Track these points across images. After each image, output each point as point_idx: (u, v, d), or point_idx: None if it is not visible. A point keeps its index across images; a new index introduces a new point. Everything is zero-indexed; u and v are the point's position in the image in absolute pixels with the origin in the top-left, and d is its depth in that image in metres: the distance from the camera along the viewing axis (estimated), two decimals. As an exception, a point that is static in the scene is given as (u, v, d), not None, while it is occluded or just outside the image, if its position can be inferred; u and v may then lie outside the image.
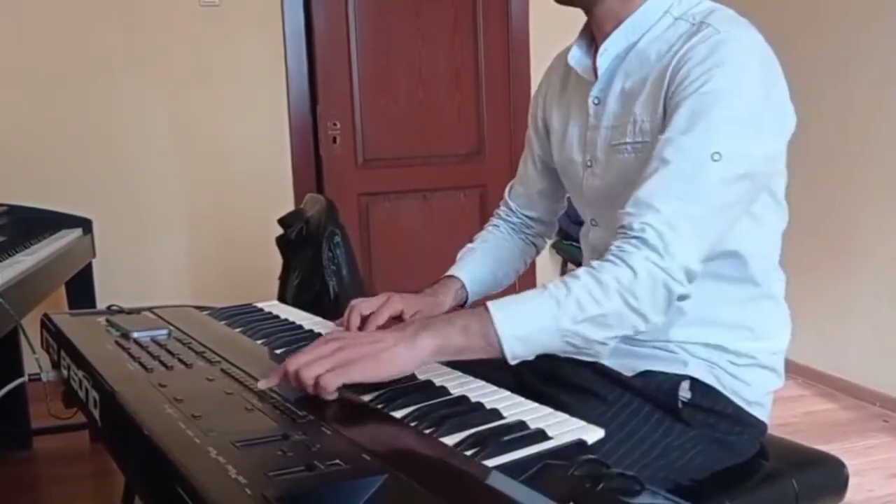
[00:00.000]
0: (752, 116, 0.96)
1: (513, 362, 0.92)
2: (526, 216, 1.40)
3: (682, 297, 0.94)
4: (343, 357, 0.86)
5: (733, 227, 1.00)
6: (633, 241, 0.92)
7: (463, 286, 1.30)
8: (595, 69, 1.11)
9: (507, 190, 1.42)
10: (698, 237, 0.93)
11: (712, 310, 1.08)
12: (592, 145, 1.13)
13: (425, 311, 1.21)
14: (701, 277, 1.02)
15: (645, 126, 1.04)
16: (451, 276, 1.31)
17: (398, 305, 1.18)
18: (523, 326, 0.90)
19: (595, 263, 0.93)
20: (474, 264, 1.34)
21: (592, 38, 1.14)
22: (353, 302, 1.19)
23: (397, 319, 1.17)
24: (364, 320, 1.16)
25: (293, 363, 0.86)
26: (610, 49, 1.09)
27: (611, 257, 0.93)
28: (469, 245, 1.39)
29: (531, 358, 0.94)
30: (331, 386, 0.83)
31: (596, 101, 1.12)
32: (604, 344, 0.93)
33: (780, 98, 1.01)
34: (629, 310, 0.91)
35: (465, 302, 1.32)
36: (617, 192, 1.08)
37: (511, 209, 1.41)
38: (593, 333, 0.91)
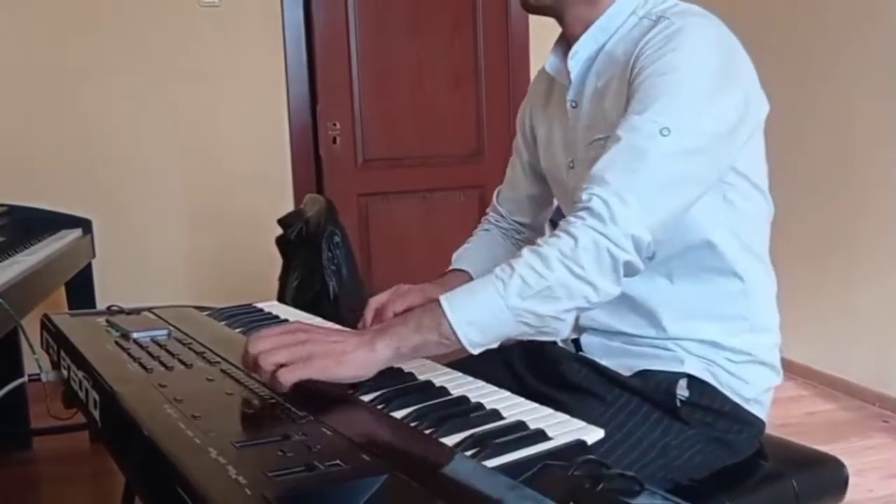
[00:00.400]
0: (705, 94, 0.98)
1: (474, 350, 0.92)
2: (516, 221, 1.41)
3: (632, 267, 0.93)
4: (304, 351, 0.87)
5: (693, 205, 1.00)
6: (580, 212, 0.93)
7: (471, 278, 1.29)
8: (569, 73, 1.14)
9: (495, 195, 1.43)
10: (646, 208, 0.93)
11: (701, 303, 1.09)
12: (573, 147, 1.16)
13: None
14: (683, 270, 1.05)
15: (614, 120, 1.05)
16: (461, 271, 1.31)
17: (411, 297, 1.17)
18: (474, 312, 0.90)
19: (539, 240, 0.94)
20: (476, 258, 1.34)
21: (567, 44, 1.16)
22: (370, 301, 1.20)
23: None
24: (378, 313, 1.16)
25: (254, 346, 0.87)
26: (580, 52, 1.12)
27: (556, 232, 0.94)
28: (465, 245, 1.39)
29: (494, 345, 0.95)
30: (289, 381, 0.84)
31: (573, 105, 1.15)
32: (558, 318, 0.92)
33: (742, 80, 1.02)
34: (575, 278, 0.91)
35: None
36: None
37: (501, 214, 1.41)
38: (543, 308, 0.91)
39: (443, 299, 0.91)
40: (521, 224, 1.41)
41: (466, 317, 0.90)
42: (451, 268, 1.33)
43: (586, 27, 1.11)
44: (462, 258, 1.35)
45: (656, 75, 0.98)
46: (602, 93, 1.10)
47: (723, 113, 0.99)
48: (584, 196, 0.93)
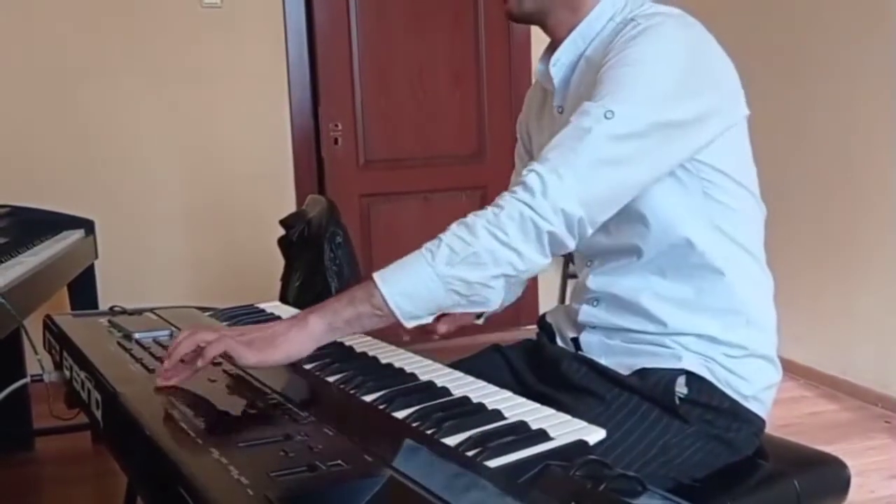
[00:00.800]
0: (660, 87, 0.99)
1: (408, 323, 0.94)
2: None
3: (556, 239, 0.95)
4: (239, 339, 0.90)
5: (638, 190, 1.02)
6: (515, 187, 0.96)
7: None
8: (552, 79, 1.15)
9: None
10: (580, 183, 0.95)
11: (695, 297, 1.09)
12: None
13: None
14: (672, 266, 1.07)
15: None
16: None
17: None
18: (404, 282, 0.93)
19: (469, 214, 0.97)
20: None
21: (554, 51, 1.17)
22: None
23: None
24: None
25: (186, 332, 0.90)
26: (562, 59, 1.14)
27: (487, 207, 0.96)
28: None
29: (428, 319, 0.96)
30: (211, 352, 0.88)
31: (560, 110, 1.17)
32: (486, 286, 0.94)
33: (708, 81, 1.03)
34: (500, 244, 0.93)
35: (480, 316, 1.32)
36: None
37: None
38: (471, 274, 0.93)
39: (375, 274, 0.93)
40: None
41: (398, 288, 0.92)
42: None
43: (569, 33, 1.12)
44: None
45: (616, 67, 1.00)
46: (583, 97, 1.09)
47: (675, 107, 1.00)
48: (524, 171, 0.96)
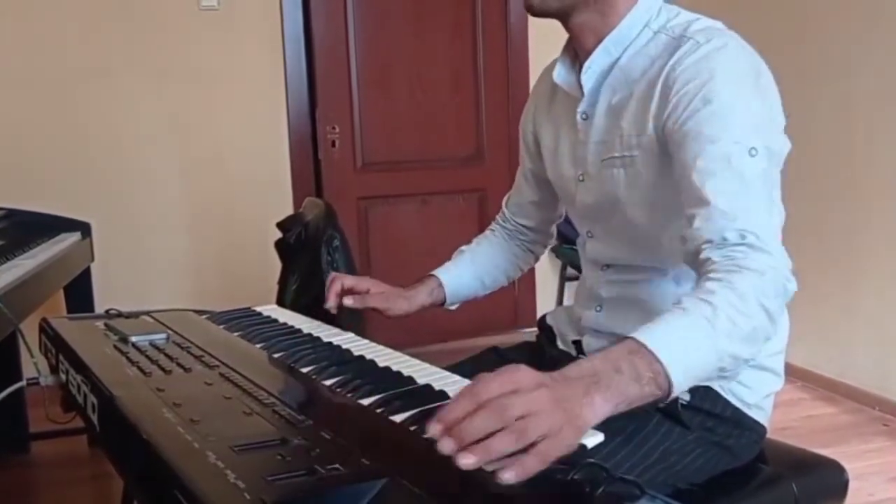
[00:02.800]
0: (761, 115, 0.99)
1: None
2: (521, 224, 1.42)
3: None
4: (530, 428, 0.67)
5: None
6: (740, 248, 0.90)
7: (440, 286, 1.35)
8: (580, 86, 1.13)
9: (504, 199, 1.45)
10: (777, 236, 0.94)
11: None
12: (583, 160, 1.15)
13: (390, 294, 1.31)
14: (688, 275, 1.04)
15: (632, 141, 1.05)
16: (431, 276, 1.36)
17: (366, 284, 1.31)
18: (689, 359, 0.81)
19: (716, 275, 0.87)
20: (459, 268, 1.38)
21: (575, 53, 1.15)
22: (334, 274, 1.32)
23: (358, 293, 1.29)
24: (344, 292, 1.28)
25: (469, 430, 0.66)
26: (594, 66, 1.10)
27: (730, 266, 0.88)
28: (462, 248, 1.43)
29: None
30: (531, 473, 0.65)
31: (584, 117, 1.14)
32: (747, 363, 0.89)
33: (774, 97, 1.03)
34: (767, 318, 0.87)
35: (443, 302, 1.37)
36: (610, 205, 1.11)
37: (506, 217, 1.44)
38: (745, 351, 0.86)
39: (658, 348, 0.79)
40: (526, 227, 1.42)
41: (682, 366, 0.80)
42: (434, 271, 1.37)
43: (598, 38, 1.09)
44: (448, 264, 1.39)
45: (708, 111, 0.96)
46: (617, 109, 1.08)
47: (780, 129, 1.01)
48: (730, 235, 0.90)
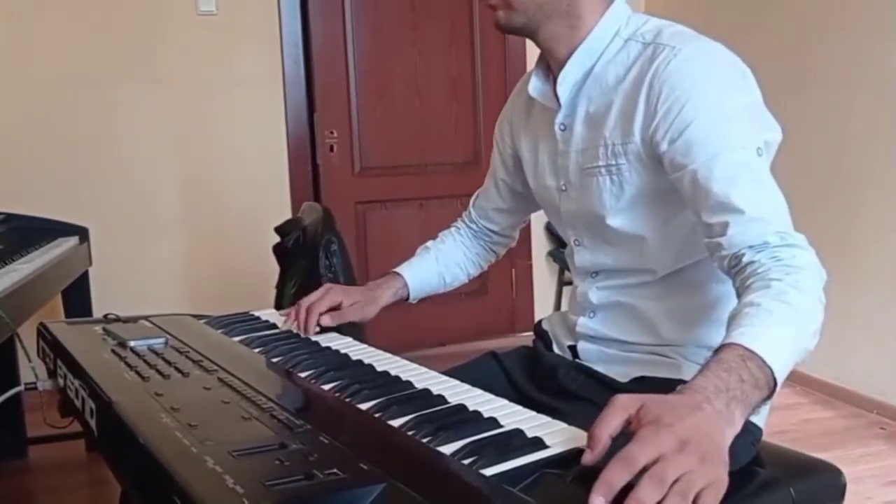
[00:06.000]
0: (755, 111, 1.02)
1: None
2: (485, 227, 1.46)
3: None
4: (690, 490, 0.66)
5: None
6: (783, 249, 0.94)
7: (405, 285, 1.38)
8: (556, 97, 1.14)
9: (473, 198, 1.48)
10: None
11: (699, 309, 1.10)
12: (565, 170, 1.16)
13: (362, 301, 1.31)
14: (681, 278, 1.07)
15: (617, 149, 1.06)
16: (396, 274, 1.39)
17: (338, 297, 1.29)
18: (787, 362, 0.83)
19: (775, 274, 0.91)
20: (422, 265, 1.42)
21: (548, 66, 1.16)
22: (301, 300, 1.29)
23: (335, 310, 1.27)
24: (308, 311, 1.26)
25: (616, 473, 0.64)
26: (568, 77, 1.11)
27: (784, 268, 0.92)
28: (427, 244, 1.47)
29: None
30: (694, 488, 0.66)
31: (562, 128, 1.15)
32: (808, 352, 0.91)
33: (757, 88, 1.05)
34: (822, 310, 0.94)
35: (407, 299, 1.40)
36: (594, 213, 1.12)
37: (472, 217, 1.47)
38: (812, 345, 0.91)
39: (766, 353, 0.81)
40: (489, 230, 1.46)
41: (783, 368, 0.82)
42: (397, 268, 1.40)
43: (569, 50, 1.10)
44: (411, 262, 1.43)
45: (699, 118, 0.98)
46: (596, 118, 1.09)
47: (773, 123, 1.05)
48: (772, 238, 0.94)
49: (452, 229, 1.49)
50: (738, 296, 0.94)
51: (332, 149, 3.46)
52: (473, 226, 1.47)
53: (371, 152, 3.53)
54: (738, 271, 0.96)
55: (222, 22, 3.27)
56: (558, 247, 3.58)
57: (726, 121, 0.98)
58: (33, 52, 3.09)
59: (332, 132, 3.44)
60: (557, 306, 3.67)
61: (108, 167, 3.21)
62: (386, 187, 3.56)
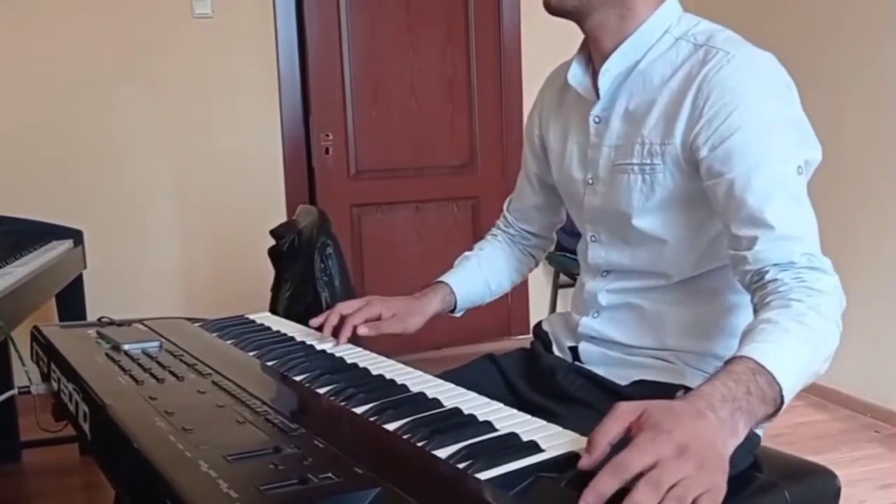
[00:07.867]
0: (800, 128, 1.03)
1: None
2: (523, 229, 1.41)
3: None
4: (687, 496, 0.66)
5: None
6: (808, 271, 0.94)
7: (452, 292, 1.32)
8: (596, 89, 1.11)
9: (505, 203, 1.44)
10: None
11: (710, 317, 1.09)
12: (594, 164, 1.14)
13: (403, 312, 1.24)
14: (695, 287, 1.05)
15: (655, 149, 1.04)
16: (441, 282, 1.33)
17: (377, 309, 1.22)
18: (796, 381, 0.83)
19: (796, 295, 0.90)
20: (467, 273, 1.36)
21: (590, 56, 1.13)
22: (338, 304, 1.22)
23: (374, 321, 1.20)
24: (342, 320, 1.19)
25: (606, 482, 0.63)
26: (611, 69, 1.09)
27: (807, 291, 0.91)
28: (466, 253, 1.40)
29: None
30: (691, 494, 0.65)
31: (597, 120, 1.12)
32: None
33: (800, 106, 1.05)
34: (839, 336, 0.91)
35: (454, 308, 1.34)
36: (619, 210, 1.10)
37: (509, 222, 1.42)
38: (823, 369, 0.90)
39: (777, 370, 0.81)
40: (528, 232, 1.41)
41: (792, 387, 0.82)
42: (441, 277, 1.34)
43: (616, 41, 1.07)
44: (455, 270, 1.36)
45: (746, 127, 0.97)
46: (635, 115, 1.07)
47: (814, 141, 1.07)
48: (799, 258, 0.95)
49: (489, 237, 1.43)
50: (755, 311, 0.93)
51: (327, 151, 3.45)
52: (510, 230, 1.42)
53: (367, 155, 3.53)
54: (759, 287, 0.95)
55: (218, 25, 3.27)
56: (555, 250, 3.58)
57: (771, 134, 0.97)
58: (28, 56, 3.08)
59: (327, 135, 3.44)
60: (553, 309, 3.67)
61: (102, 170, 3.20)
62: (381, 190, 3.56)
